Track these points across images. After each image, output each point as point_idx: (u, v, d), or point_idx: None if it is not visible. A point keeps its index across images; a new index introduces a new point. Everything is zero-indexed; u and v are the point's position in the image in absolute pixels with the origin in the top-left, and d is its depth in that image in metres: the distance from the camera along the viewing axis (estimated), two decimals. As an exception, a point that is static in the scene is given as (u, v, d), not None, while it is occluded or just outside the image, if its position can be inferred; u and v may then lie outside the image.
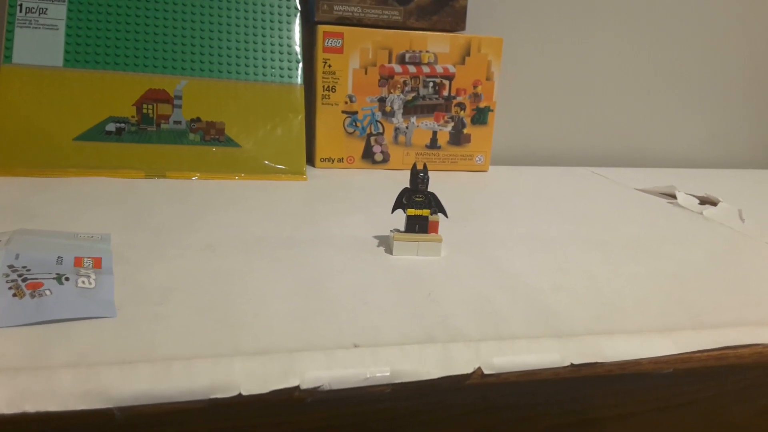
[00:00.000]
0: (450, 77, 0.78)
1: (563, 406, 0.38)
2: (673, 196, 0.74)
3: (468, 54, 0.77)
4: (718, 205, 0.69)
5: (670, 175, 0.91)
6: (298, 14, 0.73)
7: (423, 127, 0.79)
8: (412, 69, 0.76)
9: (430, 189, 0.49)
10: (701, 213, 0.68)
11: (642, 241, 0.57)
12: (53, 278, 0.37)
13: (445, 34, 0.76)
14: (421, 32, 0.75)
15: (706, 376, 0.40)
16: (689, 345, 0.38)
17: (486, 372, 0.35)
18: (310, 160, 0.80)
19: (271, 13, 0.72)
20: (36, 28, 0.65)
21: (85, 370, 0.30)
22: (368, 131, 0.78)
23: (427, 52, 0.76)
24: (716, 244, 0.58)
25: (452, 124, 0.80)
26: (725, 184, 0.88)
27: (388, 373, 0.33)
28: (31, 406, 0.28)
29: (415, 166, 0.49)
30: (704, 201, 0.72)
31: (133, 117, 0.67)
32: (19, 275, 0.36)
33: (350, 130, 0.77)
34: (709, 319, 0.42)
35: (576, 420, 0.39)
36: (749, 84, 1.03)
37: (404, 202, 0.49)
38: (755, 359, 0.39)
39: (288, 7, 0.73)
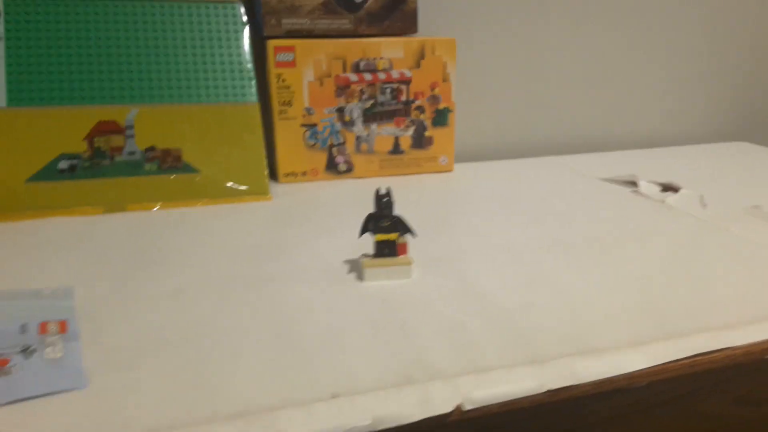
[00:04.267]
0: (407, 82, 0.77)
1: (545, 421, 0.39)
2: (636, 184, 0.75)
3: (423, 57, 0.76)
4: (680, 191, 0.70)
5: (633, 158, 0.92)
6: (246, 29, 0.71)
7: (384, 133, 0.78)
8: (368, 77, 0.75)
9: (396, 204, 0.49)
10: (663, 201, 0.69)
11: (607, 240, 0.58)
12: (19, 352, 0.36)
13: (397, 39, 0.75)
14: (373, 39, 0.74)
15: (680, 379, 0.41)
16: (661, 357, 0.39)
17: (466, 407, 0.35)
18: (274, 176, 0.79)
19: (218, 31, 0.70)
20: (-26, 68, 0.63)
21: (60, 457, 0.29)
22: (329, 142, 0.77)
23: (381, 58, 0.75)
24: (679, 237, 0.59)
25: (413, 128, 0.79)
26: (684, 161, 0.90)
27: (369, 422, 0.33)
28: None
29: (378, 191, 0.48)
30: (666, 188, 0.73)
31: (85, 152, 0.65)
32: (-18, 354, 0.35)
33: (311, 142, 0.76)
34: (678, 326, 0.42)
35: (558, 430, 0.40)
36: (700, 60, 1.05)
37: (370, 228, 0.49)
38: (726, 362, 0.40)
39: (234, 23, 0.71)
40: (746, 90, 1.10)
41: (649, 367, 0.39)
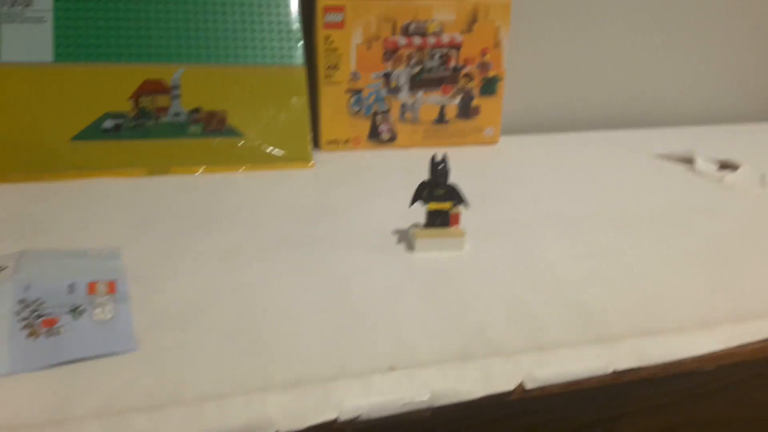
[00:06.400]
0: (457, 47, 0.74)
1: (601, 403, 0.37)
2: (692, 161, 0.71)
3: (475, 21, 0.73)
4: (739, 169, 0.67)
5: (687, 134, 0.88)
6: (295, -11, 0.69)
7: (430, 101, 0.76)
8: (417, 40, 0.73)
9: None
10: (721, 180, 0.65)
11: (667, 216, 0.56)
12: (68, 312, 0.35)
13: (450, 0, 0.72)
14: (425, 0, 0.71)
15: (750, 364, 0.39)
16: (733, 339, 0.37)
17: (528, 387, 0.33)
18: (315, 143, 0.77)
19: (266, -10, 0.68)
20: (23, 22, 0.62)
21: (114, 419, 0.29)
22: (374, 109, 0.75)
23: (432, 21, 0.72)
24: (743, 215, 0.56)
25: (460, 96, 0.77)
26: (741, 139, 0.85)
27: (427, 397, 0.32)
28: (61, 465, 0.27)
29: (433, 158, 0.46)
30: (724, 165, 0.70)
31: (130, 111, 0.64)
32: (33, 311, 0.35)
33: (355, 109, 0.74)
34: (750, 305, 0.40)
35: (612, 414, 0.38)
36: (761, 33, 0.99)
37: (424, 196, 0.47)
38: (801, 350, 0.38)
39: (283, -17, 0.69)
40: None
41: (720, 350, 0.37)
